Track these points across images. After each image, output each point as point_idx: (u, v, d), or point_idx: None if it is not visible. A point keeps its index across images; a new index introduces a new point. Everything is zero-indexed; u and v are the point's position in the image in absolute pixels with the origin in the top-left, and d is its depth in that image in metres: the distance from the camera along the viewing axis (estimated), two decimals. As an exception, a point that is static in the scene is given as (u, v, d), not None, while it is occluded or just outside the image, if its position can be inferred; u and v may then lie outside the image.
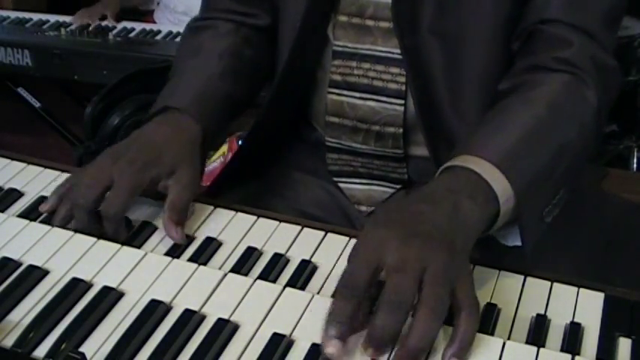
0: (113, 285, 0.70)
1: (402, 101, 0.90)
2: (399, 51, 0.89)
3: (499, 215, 0.72)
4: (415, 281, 0.61)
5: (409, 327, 0.61)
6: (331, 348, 0.61)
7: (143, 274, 0.72)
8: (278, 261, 0.75)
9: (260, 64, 1.00)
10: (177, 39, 2.06)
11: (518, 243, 0.76)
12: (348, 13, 0.91)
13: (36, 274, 0.71)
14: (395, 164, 0.95)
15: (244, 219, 0.82)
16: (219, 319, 0.66)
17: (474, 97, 0.89)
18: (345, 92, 0.92)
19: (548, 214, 0.78)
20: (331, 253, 0.77)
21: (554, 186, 0.78)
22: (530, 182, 0.74)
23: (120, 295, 0.69)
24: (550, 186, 0.77)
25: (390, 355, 0.62)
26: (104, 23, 2.19)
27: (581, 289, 0.72)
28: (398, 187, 0.96)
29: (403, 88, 0.90)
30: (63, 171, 0.89)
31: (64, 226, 0.79)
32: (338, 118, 0.94)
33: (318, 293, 0.70)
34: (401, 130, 0.92)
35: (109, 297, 0.68)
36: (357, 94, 0.92)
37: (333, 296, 0.64)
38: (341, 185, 0.99)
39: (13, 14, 2.26)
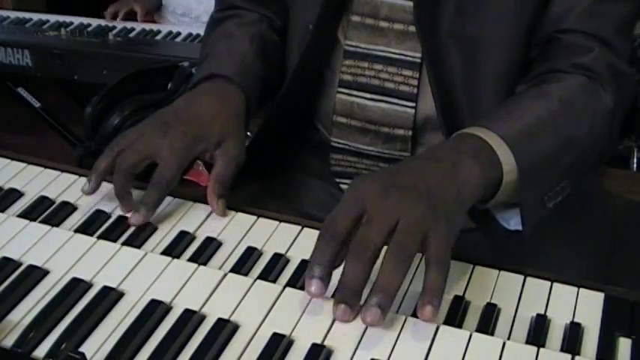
0: (113, 285, 0.70)
1: (413, 104, 0.90)
2: (412, 53, 0.89)
3: (501, 185, 0.74)
4: (381, 232, 0.64)
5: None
6: (313, 287, 0.65)
7: (143, 274, 0.72)
8: (278, 261, 0.75)
9: (281, 53, 1.00)
10: (178, 39, 2.06)
11: (520, 227, 0.78)
12: (361, 14, 0.90)
13: (36, 274, 0.71)
14: None
15: (244, 219, 0.82)
16: (219, 319, 0.66)
17: (491, 100, 0.89)
18: (355, 93, 0.92)
19: (550, 199, 0.79)
20: (331, 253, 0.76)
21: (558, 174, 0.80)
22: (533, 162, 0.76)
23: (120, 295, 0.69)
24: (554, 173, 0.79)
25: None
26: (104, 23, 2.19)
27: (581, 289, 0.72)
28: None
29: (415, 90, 0.90)
30: (63, 171, 0.89)
31: (98, 183, 0.82)
32: (346, 118, 0.93)
33: (318, 293, 0.70)
34: (410, 133, 0.91)
35: (109, 297, 0.68)
36: (368, 95, 0.92)
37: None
38: (343, 187, 0.99)
39: (13, 14, 2.26)
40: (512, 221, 0.79)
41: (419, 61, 0.89)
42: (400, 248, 0.64)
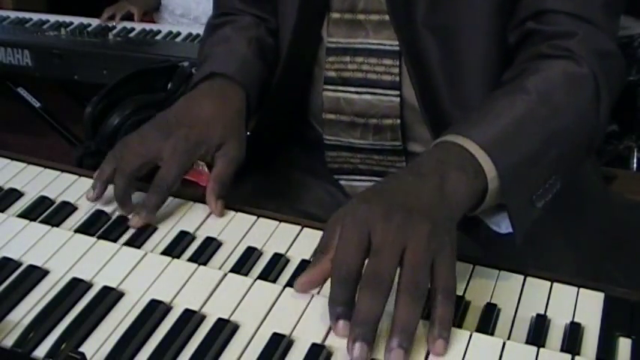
0: (113, 285, 0.70)
1: (397, 92, 0.91)
2: (390, 42, 0.90)
3: (487, 192, 0.73)
4: (392, 262, 0.62)
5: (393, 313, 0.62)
6: (339, 329, 0.63)
7: (143, 274, 0.72)
8: (278, 261, 0.75)
9: (277, 57, 1.00)
10: (178, 39, 2.07)
11: (512, 230, 0.76)
12: (340, 10, 0.92)
13: (36, 274, 0.71)
14: (394, 158, 0.95)
15: (244, 219, 0.82)
16: (219, 319, 0.66)
17: (474, 87, 0.89)
18: (341, 88, 0.93)
19: (539, 199, 0.77)
20: (331, 253, 0.76)
21: (544, 171, 0.77)
22: (515, 165, 0.74)
23: (120, 295, 0.69)
24: (539, 171, 0.77)
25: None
26: (104, 23, 2.19)
27: (581, 289, 0.72)
28: None
29: (397, 79, 0.90)
30: (63, 171, 0.89)
31: (103, 189, 0.82)
32: (335, 114, 0.94)
33: (318, 293, 0.70)
34: (398, 121, 0.92)
35: (109, 297, 0.69)
36: (353, 89, 0.93)
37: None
38: (342, 183, 0.99)
39: (13, 14, 2.26)
40: (504, 224, 0.76)
41: (397, 49, 0.90)
42: (414, 286, 0.62)
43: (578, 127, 0.81)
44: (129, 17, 2.25)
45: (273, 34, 1.01)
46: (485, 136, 0.74)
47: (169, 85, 1.57)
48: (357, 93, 0.92)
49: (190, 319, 0.66)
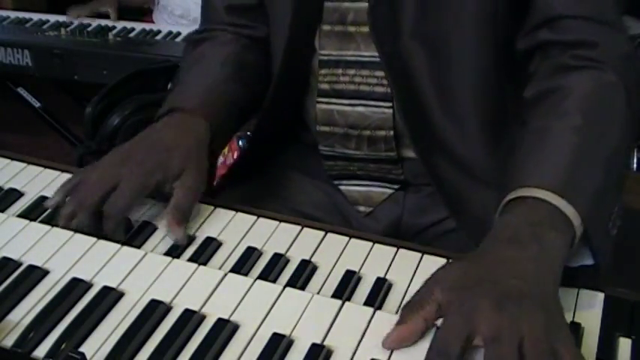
0: (113, 285, 0.70)
1: (390, 104, 0.90)
2: None
3: (575, 240, 0.70)
4: (515, 350, 0.59)
5: None
6: None
7: (143, 274, 0.72)
8: (278, 261, 0.75)
9: (261, 70, 1.00)
10: (177, 39, 2.06)
11: (587, 262, 0.74)
12: (331, 22, 0.91)
13: (36, 274, 0.71)
14: (390, 166, 0.95)
15: (244, 219, 0.82)
16: (219, 319, 0.66)
17: (465, 97, 0.88)
18: (334, 100, 0.92)
19: (613, 227, 0.75)
20: (331, 253, 0.77)
21: (612, 197, 0.76)
22: (592, 202, 0.72)
23: (120, 295, 0.69)
24: (609, 198, 0.75)
25: None
26: (104, 23, 2.19)
27: (581, 289, 0.72)
28: (396, 187, 0.97)
29: (389, 90, 0.90)
30: (63, 171, 0.90)
31: (66, 226, 0.79)
32: (328, 126, 0.94)
33: (318, 293, 0.70)
34: (392, 133, 0.91)
35: (109, 297, 0.69)
36: (346, 101, 0.92)
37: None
38: (341, 188, 0.99)
39: (13, 14, 2.26)
40: (574, 259, 0.73)
41: None
42: None
43: (623, 137, 0.79)
44: (106, 16, 2.22)
45: (259, 42, 1.00)
46: (558, 181, 0.71)
47: (169, 85, 1.57)
48: (350, 105, 0.92)
49: (190, 319, 0.66)
